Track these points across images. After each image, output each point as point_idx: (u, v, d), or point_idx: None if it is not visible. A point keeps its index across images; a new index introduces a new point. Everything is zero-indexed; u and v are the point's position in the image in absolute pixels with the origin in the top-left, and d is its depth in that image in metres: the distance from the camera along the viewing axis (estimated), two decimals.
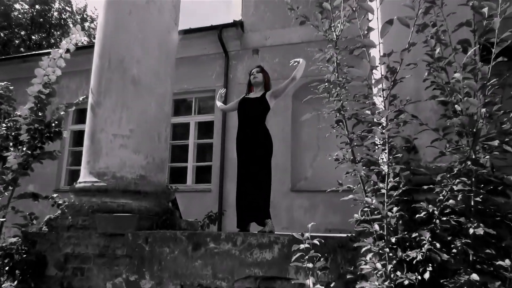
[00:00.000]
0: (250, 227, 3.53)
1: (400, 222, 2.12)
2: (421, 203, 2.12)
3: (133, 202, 3.44)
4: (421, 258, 1.95)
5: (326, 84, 2.39)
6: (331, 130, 2.42)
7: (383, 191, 2.16)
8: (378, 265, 2.00)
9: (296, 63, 3.54)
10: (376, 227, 2.10)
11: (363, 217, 2.22)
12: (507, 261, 1.80)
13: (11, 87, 4.16)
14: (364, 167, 2.30)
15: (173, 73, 4.02)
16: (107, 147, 3.53)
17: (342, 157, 2.38)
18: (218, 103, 4.10)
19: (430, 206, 2.08)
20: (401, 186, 2.18)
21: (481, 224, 1.92)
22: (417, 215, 2.13)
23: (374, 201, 2.13)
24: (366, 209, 2.22)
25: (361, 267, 2.08)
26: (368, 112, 2.29)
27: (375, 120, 2.28)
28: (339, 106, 2.28)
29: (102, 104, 3.63)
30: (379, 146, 2.30)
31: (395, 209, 2.08)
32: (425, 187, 2.20)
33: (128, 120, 3.59)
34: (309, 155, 6.97)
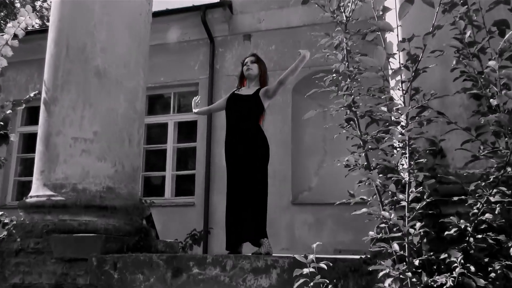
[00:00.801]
0: (242, 249, 3.50)
1: (425, 240, 2.12)
2: (450, 217, 2.11)
3: (98, 220, 3.40)
4: (452, 284, 1.94)
5: (334, 75, 2.38)
6: (340, 131, 2.42)
7: (404, 203, 2.16)
8: None
9: (299, 54, 3.53)
10: (396, 247, 2.09)
11: (380, 235, 2.22)
12: None
13: None
14: (380, 175, 2.30)
15: (146, 63, 3.99)
16: (66, 153, 3.49)
17: (353, 163, 2.37)
18: (195, 110, 4.09)
19: (461, 221, 2.08)
20: (425, 197, 2.17)
21: None
22: (446, 232, 2.12)
23: (393, 215, 2.12)
24: (383, 225, 2.21)
25: None
26: (385, 108, 2.29)
27: (393, 118, 2.28)
28: (350, 101, 2.28)
29: (59, 100, 3.59)
30: (398, 149, 2.30)
31: (418, 225, 2.07)
32: (455, 198, 2.20)
33: (91, 120, 3.56)
34: (313, 160, 6.98)
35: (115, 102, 3.66)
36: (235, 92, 3.75)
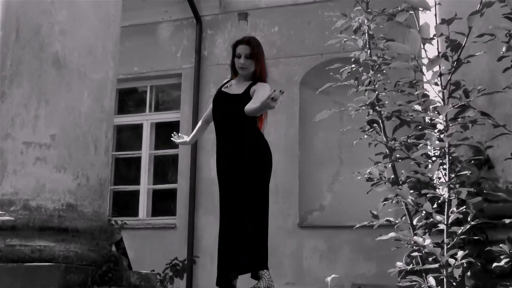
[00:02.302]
0: (236, 282, 3.50)
1: (469, 273, 2.12)
2: (500, 245, 2.11)
3: (56, 245, 3.39)
4: None
5: (353, 66, 2.39)
6: (361, 136, 2.43)
7: (442, 226, 2.16)
8: None
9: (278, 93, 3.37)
10: (432, 281, 2.10)
11: (411, 266, 2.21)
12: None
13: None
14: (411, 191, 2.30)
15: (117, 49, 4.00)
16: (16, 162, 3.48)
17: (377, 176, 2.38)
18: (178, 141, 4.21)
19: None
20: (469, 219, 2.18)
21: None
22: (495, 264, 2.12)
23: (427, 241, 2.13)
24: (415, 253, 2.21)
25: None
26: (418, 107, 2.29)
27: (428, 120, 2.27)
28: (373, 99, 2.28)
29: (7, 96, 3.59)
30: (434, 159, 2.30)
31: (460, 253, 2.08)
32: (507, 221, 2.20)
33: (48, 120, 3.55)
34: (326, 172, 6.98)
35: (77, 98, 3.66)
36: (222, 89, 3.76)
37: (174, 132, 4.28)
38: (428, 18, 2.30)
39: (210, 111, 3.92)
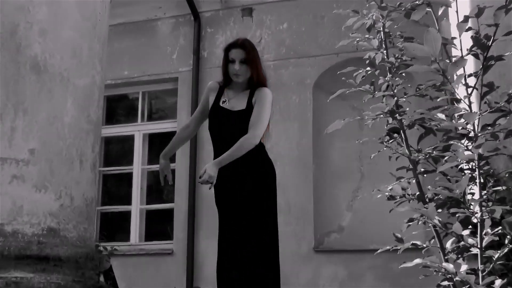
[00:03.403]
0: None
1: None
2: None
3: (35, 277, 3.39)
4: None
5: (368, 69, 2.40)
6: (380, 147, 2.45)
7: (475, 250, 2.16)
8: None
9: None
10: None
11: None
12: None
13: None
14: (439, 210, 2.30)
15: (104, 51, 4.03)
16: None
17: (400, 193, 2.38)
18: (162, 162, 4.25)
19: None
20: (506, 242, 2.17)
21: None
22: None
23: (460, 268, 2.12)
24: (446, 282, 2.20)
25: None
26: (442, 116, 2.30)
27: (456, 128, 2.28)
28: (392, 105, 2.29)
29: None
30: (465, 172, 2.30)
31: (498, 282, 2.07)
32: None
33: (26, 133, 3.57)
34: (345, 188, 6.97)
35: (60, 107, 3.67)
36: (220, 104, 3.76)
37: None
38: (449, 15, 2.31)
39: (199, 114, 3.97)
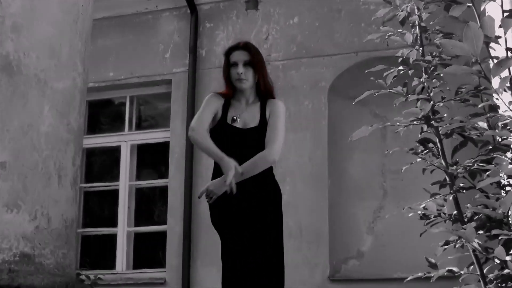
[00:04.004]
0: None
1: None
2: None
3: None
4: None
5: (401, 68, 2.40)
6: (413, 159, 2.43)
7: None
8: None
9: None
10: None
11: None
12: None
13: None
14: (479, 232, 2.29)
15: (87, 50, 4.04)
16: None
17: (435, 212, 2.37)
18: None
19: None
20: None
21: None
22: None
23: None
24: None
25: None
26: (484, 124, 2.29)
27: (499, 138, 2.27)
28: (428, 111, 2.28)
29: None
30: (508, 189, 2.28)
31: None
32: None
33: None
34: (365, 208, 6.94)
35: (36, 113, 3.67)
36: (229, 122, 3.74)
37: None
38: (493, 9, 2.31)
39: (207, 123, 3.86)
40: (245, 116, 3.74)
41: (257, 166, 3.56)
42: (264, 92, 3.77)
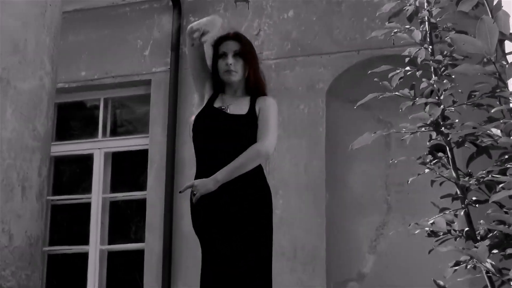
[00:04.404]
0: None
1: None
2: None
3: None
4: None
5: (408, 68, 2.40)
6: (420, 169, 2.43)
7: None
8: None
9: None
10: None
11: None
12: None
13: None
14: (494, 251, 2.31)
15: (56, 46, 4.03)
16: None
17: (444, 229, 2.37)
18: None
19: None
20: None
21: None
22: None
23: None
24: None
25: None
26: (497, 131, 2.30)
27: None
28: (437, 116, 2.28)
29: None
30: None
31: None
32: None
33: None
34: (367, 224, 6.95)
35: None
36: (214, 105, 3.81)
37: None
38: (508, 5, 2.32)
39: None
40: (232, 107, 3.80)
41: (249, 160, 3.61)
42: (254, 88, 3.83)
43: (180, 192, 3.83)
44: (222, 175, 3.58)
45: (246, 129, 3.69)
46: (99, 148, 7.80)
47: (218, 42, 3.90)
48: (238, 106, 3.78)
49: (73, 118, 8.23)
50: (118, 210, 7.76)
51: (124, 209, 7.82)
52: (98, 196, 7.64)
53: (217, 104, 3.83)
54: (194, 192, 3.63)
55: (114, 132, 8.01)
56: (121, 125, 8.10)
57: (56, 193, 7.82)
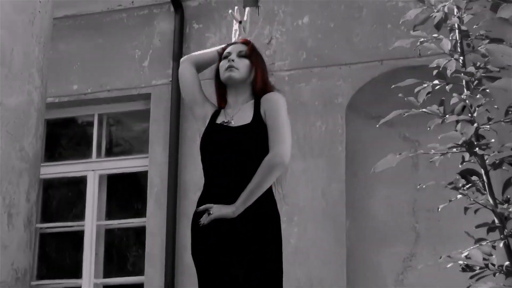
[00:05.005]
0: None
1: None
2: None
3: None
4: None
5: (436, 82, 2.40)
6: (452, 195, 2.41)
7: None
8: None
9: None
10: None
11: None
12: None
13: None
14: None
15: (46, 57, 4.04)
16: None
17: (481, 263, 2.36)
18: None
19: None
20: None
21: None
22: None
23: None
24: None
25: None
26: None
27: None
28: (471, 136, 2.28)
29: None
30: None
31: None
32: None
33: None
34: (393, 255, 6.92)
35: None
36: (216, 121, 3.87)
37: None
38: None
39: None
40: (236, 118, 3.81)
41: (265, 176, 3.61)
42: (261, 89, 3.84)
43: (196, 211, 3.77)
44: (242, 200, 3.59)
45: (251, 140, 3.70)
46: (93, 170, 7.80)
47: (225, 48, 3.95)
48: (242, 116, 3.79)
49: (64, 137, 8.25)
50: (114, 239, 7.76)
51: (120, 238, 7.82)
52: (92, 223, 7.63)
53: (219, 120, 3.86)
54: (210, 212, 3.62)
55: (110, 152, 8.01)
56: (117, 144, 8.11)
57: (46, 220, 7.83)
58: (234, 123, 3.78)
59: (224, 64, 3.83)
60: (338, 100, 6.94)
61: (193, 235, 3.80)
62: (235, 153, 3.70)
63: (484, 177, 2.41)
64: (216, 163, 3.77)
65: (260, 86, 3.83)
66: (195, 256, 3.82)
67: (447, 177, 2.54)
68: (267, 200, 3.72)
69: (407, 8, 2.71)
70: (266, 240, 3.66)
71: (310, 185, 6.78)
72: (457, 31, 2.42)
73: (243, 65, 3.82)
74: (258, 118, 3.74)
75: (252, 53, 3.88)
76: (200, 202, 3.78)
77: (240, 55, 3.83)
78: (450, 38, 2.43)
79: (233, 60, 3.79)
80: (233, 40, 4.09)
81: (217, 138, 3.80)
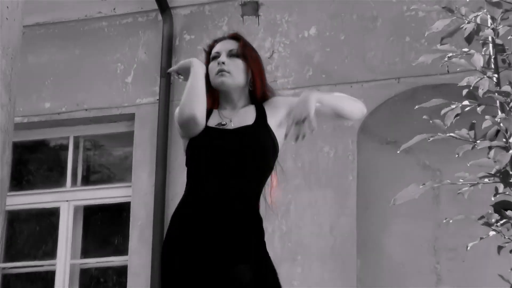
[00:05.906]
0: None
1: None
2: None
3: None
4: None
5: (466, 102, 2.41)
6: (483, 232, 2.40)
7: None
8: None
9: None
10: None
11: None
12: None
13: None
14: None
15: (15, 71, 4.06)
16: None
17: None
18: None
19: None
20: None
21: None
22: None
23: None
24: None
25: None
26: None
27: None
28: (506, 164, 2.28)
29: None
30: None
31: None
32: None
33: None
34: None
35: None
36: (208, 124, 3.81)
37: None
38: None
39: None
40: (235, 119, 3.78)
41: (350, 101, 3.60)
42: (261, 95, 3.83)
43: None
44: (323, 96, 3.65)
45: (255, 142, 3.67)
46: (67, 201, 7.80)
47: (211, 46, 3.90)
48: (242, 118, 3.77)
49: (34, 162, 8.26)
50: (91, 281, 7.76)
51: (98, 279, 7.81)
52: (65, 262, 7.62)
53: (213, 122, 3.81)
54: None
55: (87, 180, 8.03)
56: (95, 172, 8.13)
57: (10, 259, 7.83)
58: (234, 125, 3.77)
59: (213, 67, 3.78)
60: (348, 123, 6.92)
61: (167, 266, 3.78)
62: (236, 158, 3.69)
63: None
64: (211, 165, 3.70)
65: (260, 94, 3.82)
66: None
67: (474, 211, 2.54)
68: (253, 212, 3.71)
69: (429, 19, 2.70)
70: (249, 256, 3.57)
71: (317, 219, 6.78)
72: (490, 45, 2.42)
73: (235, 67, 3.77)
74: (261, 120, 3.74)
75: (244, 50, 3.84)
76: (186, 205, 3.73)
77: (231, 54, 3.80)
78: (483, 53, 2.43)
79: (223, 63, 3.78)
80: None
81: (212, 140, 3.75)
